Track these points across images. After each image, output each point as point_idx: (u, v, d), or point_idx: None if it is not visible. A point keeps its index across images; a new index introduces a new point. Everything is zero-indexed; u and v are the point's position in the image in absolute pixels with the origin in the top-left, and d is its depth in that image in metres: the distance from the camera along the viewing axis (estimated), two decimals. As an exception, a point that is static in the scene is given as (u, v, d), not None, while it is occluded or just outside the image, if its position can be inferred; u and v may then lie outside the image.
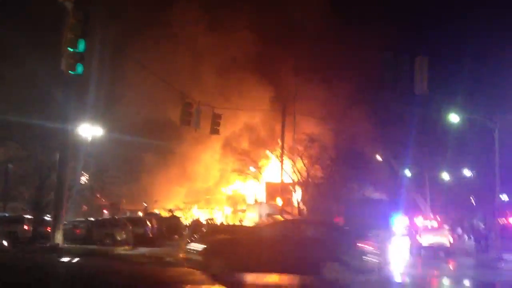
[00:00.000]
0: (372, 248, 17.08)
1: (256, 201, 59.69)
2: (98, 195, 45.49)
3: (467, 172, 53.19)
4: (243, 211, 61.77)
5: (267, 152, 52.55)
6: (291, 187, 43.55)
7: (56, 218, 25.39)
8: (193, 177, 64.06)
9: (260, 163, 53.18)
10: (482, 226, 41.33)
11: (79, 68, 17.06)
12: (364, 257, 16.53)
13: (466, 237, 45.05)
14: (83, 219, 39.01)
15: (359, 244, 16.74)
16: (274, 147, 50.11)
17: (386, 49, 49.16)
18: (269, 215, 52.53)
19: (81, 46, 16.67)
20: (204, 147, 58.24)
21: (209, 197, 67.39)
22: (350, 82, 53.31)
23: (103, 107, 37.14)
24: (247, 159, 50.85)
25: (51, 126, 26.78)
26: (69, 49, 16.67)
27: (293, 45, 56.39)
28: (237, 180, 59.28)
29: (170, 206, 56.19)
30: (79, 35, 16.61)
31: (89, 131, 32.41)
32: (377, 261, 17.24)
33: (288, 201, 40.88)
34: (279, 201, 37.28)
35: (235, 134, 58.35)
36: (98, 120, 33.34)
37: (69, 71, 17.16)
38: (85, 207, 44.65)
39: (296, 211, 42.56)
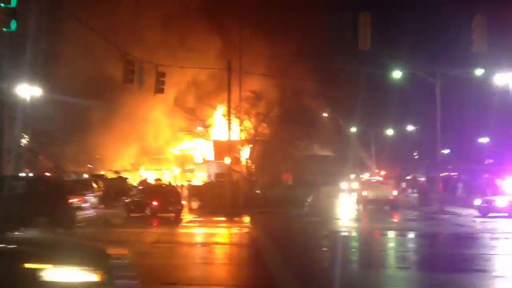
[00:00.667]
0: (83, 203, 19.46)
1: (204, 160, 59.46)
2: (40, 158, 44.06)
3: (410, 128, 54.63)
4: (192, 170, 61.54)
5: (215, 110, 52.04)
6: (239, 146, 43.41)
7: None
8: (141, 136, 62.99)
9: (207, 122, 52.67)
10: (424, 179, 42.73)
11: (13, 25, 16.05)
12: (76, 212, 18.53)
13: (409, 190, 46.58)
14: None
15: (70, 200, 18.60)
16: (221, 104, 49.67)
17: (331, 5, 49.09)
18: (217, 174, 52.62)
19: (14, 1, 15.65)
20: (150, 105, 57.07)
21: (157, 157, 66.64)
22: (295, 38, 53.06)
23: (42, 66, 35.51)
24: (194, 118, 50.20)
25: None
26: (1, 4, 15.63)
27: (238, 4, 55.37)
28: (185, 140, 58.67)
29: (117, 167, 55.14)
30: (11, -12, 15.55)
31: (27, 91, 31.02)
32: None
33: (236, 160, 40.72)
34: (227, 160, 37.10)
35: (181, 92, 57.40)
36: (37, 80, 31.91)
37: (2, 28, 16.14)
38: (27, 170, 43.17)
39: (244, 170, 42.60)
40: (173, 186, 39.37)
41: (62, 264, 6.40)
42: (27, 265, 6.27)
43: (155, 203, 27.76)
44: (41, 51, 34.95)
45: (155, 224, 24.94)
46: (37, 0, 27.67)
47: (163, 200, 27.88)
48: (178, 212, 28.34)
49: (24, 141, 36.10)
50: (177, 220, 26.81)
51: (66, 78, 45.46)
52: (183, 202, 29.94)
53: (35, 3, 27.45)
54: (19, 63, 28.45)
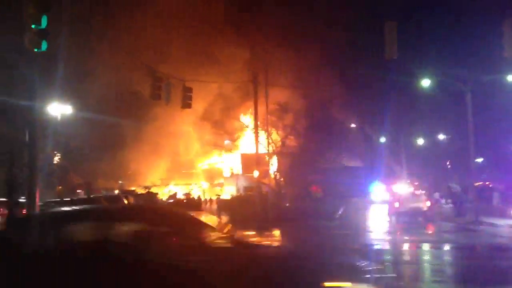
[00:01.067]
0: None
1: (232, 173, 59.52)
2: (72, 174, 44.67)
3: (441, 137, 53.70)
4: (221, 184, 61.63)
5: (242, 121, 52.06)
6: (267, 158, 43.29)
7: (30, 199, 24.63)
8: (170, 151, 63.51)
9: (235, 135, 52.74)
10: (458, 189, 41.79)
11: (44, 45, 16.29)
12: None
13: (443, 201, 45.61)
14: (58, 199, 38.27)
15: None
16: (246, 115, 49.75)
17: (356, 15, 48.88)
18: (246, 187, 52.53)
19: (44, 21, 15.87)
20: (178, 120, 57.56)
21: (187, 171, 67.02)
22: (320, 48, 52.96)
23: (72, 84, 36.16)
24: (221, 131, 50.34)
25: (19, 104, 25.89)
26: (32, 25, 15.87)
27: (263, 12, 55.64)
28: (213, 153, 58.83)
29: (147, 182, 55.62)
30: (42, 10, 15.79)
31: (58, 109, 31.57)
32: None
33: (265, 173, 40.63)
34: (255, 173, 37.01)
35: (208, 105, 57.74)
36: (67, 98, 32.47)
37: (34, 48, 16.39)
38: (59, 187, 43.78)
39: (273, 182, 42.45)
40: (197, 200, 40.05)
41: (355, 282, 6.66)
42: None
43: None
44: (71, 70, 35.59)
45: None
46: (67, 20, 28.12)
47: None
48: None
49: (56, 158, 36.64)
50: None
51: (96, 95, 46.17)
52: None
53: (65, 23, 27.90)
54: (49, 82, 28.92)
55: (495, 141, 49.07)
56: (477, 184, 34.23)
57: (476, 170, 34.33)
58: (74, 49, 36.42)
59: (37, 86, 23.81)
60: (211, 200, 54.60)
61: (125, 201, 37.18)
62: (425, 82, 33.14)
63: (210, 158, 62.14)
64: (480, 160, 48.44)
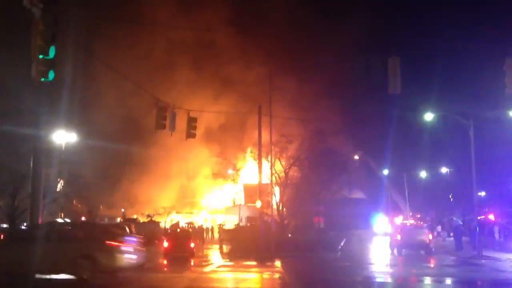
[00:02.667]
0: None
1: (234, 203, 59.42)
2: (74, 202, 44.71)
3: (444, 170, 53.69)
4: (223, 214, 61.41)
5: (248, 153, 52.22)
6: (270, 188, 43.28)
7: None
8: (173, 180, 63.59)
9: (238, 165, 52.81)
10: (460, 223, 41.64)
11: (51, 75, 16.56)
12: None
13: (445, 234, 45.45)
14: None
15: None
16: (251, 148, 49.87)
17: (360, 51, 49.47)
18: (248, 217, 52.40)
19: (52, 52, 16.18)
20: (181, 149, 57.76)
21: (189, 200, 66.99)
22: (325, 82, 53.54)
23: (77, 113, 36.52)
24: (224, 161, 50.41)
25: (24, 132, 26.17)
26: (40, 56, 16.18)
27: (268, 46, 56.38)
28: (216, 183, 58.65)
29: (149, 211, 55.53)
30: (49, 41, 16.11)
31: (63, 137, 31.84)
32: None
33: (267, 203, 40.59)
34: (258, 203, 36.99)
35: (212, 135, 58.09)
36: (72, 126, 32.76)
37: (41, 78, 16.68)
38: (62, 215, 43.81)
39: (276, 213, 42.31)
40: (187, 230, 40.30)
41: None
42: None
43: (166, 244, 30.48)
44: (76, 98, 35.99)
45: (186, 268, 24.85)
46: (72, 50, 28.57)
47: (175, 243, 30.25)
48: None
49: (59, 186, 36.76)
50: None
51: (101, 123, 46.52)
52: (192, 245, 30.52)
53: (71, 52, 28.34)
54: (55, 110, 29.24)
55: (497, 175, 49.09)
56: (479, 218, 34.13)
57: (478, 204, 34.23)
58: (79, 77, 36.92)
59: (43, 115, 24.19)
60: (213, 229, 54.45)
61: (127, 230, 37.19)
62: (428, 116, 33.41)
63: (212, 187, 62.04)
64: (482, 194, 48.35)
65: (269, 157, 40.15)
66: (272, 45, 55.57)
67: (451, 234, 40.12)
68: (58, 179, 36.29)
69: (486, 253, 29.66)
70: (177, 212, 62.88)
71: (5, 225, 32.39)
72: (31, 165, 24.46)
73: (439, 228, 45.51)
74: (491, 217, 39.09)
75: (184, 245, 30.05)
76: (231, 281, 21.28)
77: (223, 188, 59.16)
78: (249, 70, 58.61)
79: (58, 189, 36.93)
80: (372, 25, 63.04)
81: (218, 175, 48.98)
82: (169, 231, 42.41)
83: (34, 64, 16.29)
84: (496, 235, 34.60)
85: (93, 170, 41.26)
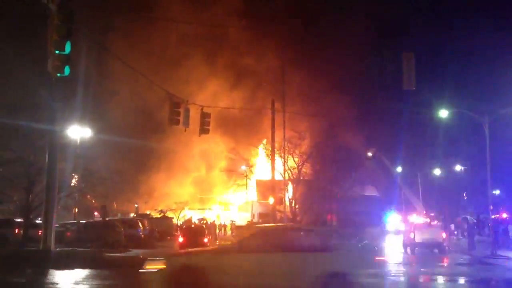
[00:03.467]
0: None
1: (247, 199, 59.46)
2: (88, 197, 45.02)
3: (458, 168, 53.30)
4: (236, 210, 61.52)
5: (258, 149, 52.21)
6: (283, 185, 43.26)
7: (47, 221, 24.92)
8: (186, 176, 63.79)
9: (251, 161, 52.85)
10: (474, 221, 41.26)
11: (66, 70, 16.69)
12: None
13: (459, 233, 45.10)
14: (74, 221, 38.59)
15: None
16: (264, 144, 49.84)
17: (374, 46, 49.18)
18: (261, 214, 52.42)
19: (67, 47, 16.30)
20: (195, 145, 57.92)
21: (202, 196, 67.18)
22: (339, 78, 53.27)
23: (92, 108, 36.74)
24: (237, 157, 50.50)
25: (40, 127, 26.36)
26: (56, 51, 16.29)
27: (281, 40, 56.24)
28: (230, 179, 58.68)
29: (162, 206, 55.76)
30: (64, 36, 16.23)
31: (77, 132, 32.07)
32: None
33: (280, 200, 40.58)
34: (271, 200, 37.01)
35: (226, 131, 58.11)
36: (86, 121, 32.97)
37: (56, 73, 16.81)
38: (76, 209, 44.16)
39: (288, 210, 42.34)
40: (201, 226, 40.76)
41: None
42: None
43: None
44: (91, 94, 36.21)
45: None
46: (87, 45, 28.71)
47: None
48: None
49: (73, 181, 37.03)
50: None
51: (115, 118, 46.76)
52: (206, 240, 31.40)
53: (86, 48, 28.49)
54: (70, 106, 29.41)
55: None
56: (494, 216, 33.82)
57: (493, 203, 33.92)
58: (94, 73, 37.14)
59: (58, 110, 24.35)
60: (225, 225, 54.56)
61: (140, 225, 37.42)
62: (443, 113, 33.18)
63: (226, 183, 62.09)
64: (497, 192, 47.92)
65: (282, 154, 40.17)
66: (286, 39, 55.46)
67: (465, 233, 39.78)
68: (73, 174, 36.54)
69: (500, 252, 29.38)
70: (190, 208, 63.06)
71: (19, 219, 32.68)
72: (46, 159, 24.66)
73: (452, 226, 45.14)
74: (505, 215, 38.77)
75: (198, 240, 30.66)
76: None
77: (236, 184, 59.20)
78: (262, 65, 58.61)
79: (72, 184, 37.21)
80: (386, 21, 62.65)
81: (231, 171, 49.01)
82: (184, 226, 42.63)
83: (50, 59, 16.43)
84: (511, 234, 34.30)
85: (108, 165, 41.48)
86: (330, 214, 48.79)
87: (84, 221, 37.75)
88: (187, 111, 27.80)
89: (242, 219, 54.44)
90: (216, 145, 58.25)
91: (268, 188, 41.32)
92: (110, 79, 50.33)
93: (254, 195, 58.09)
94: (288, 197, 43.90)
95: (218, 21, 58.66)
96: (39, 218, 29.79)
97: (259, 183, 54.43)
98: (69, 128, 30.68)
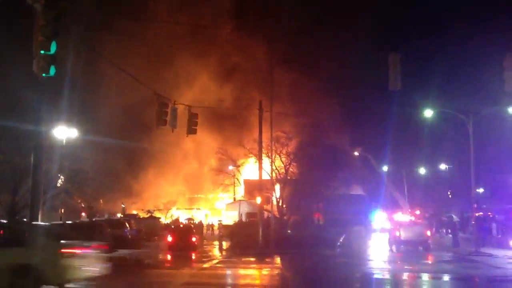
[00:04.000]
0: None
1: (235, 199, 59.55)
2: (75, 197, 44.86)
3: (443, 167, 53.85)
4: (223, 209, 61.63)
5: (246, 147, 52.29)
6: (270, 185, 43.44)
7: (32, 222, 24.85)
8: (173, 176, 63.73)
9: (238, 161, 52.93)
10: (457, 219, 41.72)
11: (52, 70, 16.68)
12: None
13: (443, 231, 45.61)
14: (60, 222, 38.45)
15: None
16: (251, 144, 49.97)
17: (360, 47, 49.54)
18: (248, 213, 52.55)
19: (53, 48, 16.28)
20: (183, 145, 57.91)
21: (190, 196, 67.17)
22: (326, 79, 53.60)
23: (78, 108, 36.63)
24: (225, 157, 50.50)
25: (25, 128, 26.25)
26: (41, 51, 16.29)
27: (270, 42, 56.40)
28: (217, 179, 58.71)
29: (150, 206, 55.71)
30: (50, 36, 16.21)
31: (64, 133, 31.96)
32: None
33: (267, 199, 40.71)
34: (258, 199, 37.15)
35: (213, 132, 58.17)
36: (73, 122, 32.85)
37: (42, 74, 16.80)
38: (62, 210, 43.98)
39: (275, 209, 42.48)
40: (189, 226, 41.28)
41: None
42: None
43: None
44: (78, 94, 36.10)
45: (186, 264, 25.02)
46: (74, 45, 28.64)
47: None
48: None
49: (59, 181, 36.90)
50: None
51: (102, 119, 46.65)
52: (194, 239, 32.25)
53: (72, 48, 28.42)
54: (56, 106, 29.32)
55: (496, 172, 49.22)
56: (477, 214, 34.26)
57: (476, 200, 34.37)
58: (80, 73, 37.01)
59: (44, 111, 24.27)
60: (213, 225, 54.64)
61: (127, 226, 37.39)
62: (428, 113, 33.56)
63: (213, 183, 62.10)
64: (481, 190, 48.48)
65: (270, 154, 40.32)
66: (274, 39, 55.62)
67: (449, 231, 40.26)
68: (59, 175, 36.41)
69: (483, 249, 29.82)
70: (177, 208, 63.05)
71: (4, 220, 32.49)
72: (32, 160, 24.57)
73: (437, 224, 45.62)
74: (489, 213, 39.26)
75: (187, 239, 31.39)
76: (230, 277, 21.45)
77: (223, 183, 59.26)
78: (250, 64, 58.77)
79: (58, 185, 37.07)
80: (373, 22, 63.12)
81: (219, 170, 49.01)
82: (172, 226, 42.74)
83: (35, 60, 16.41)
84: (495, 232, 34.76)
85: (94, 165, 41.42)
86: (317, 213, 48.98)
87: (70, 222, 37.63)
88: (174, 111, 27.79)
89: (230, 218, 54.54)
90: (205, 145, 58.27)
91: (255, 187, 41.45)
92: (97, 79, 50.19)
93: (242, 194, 58.24)
94: (276, 197, 44.07)
95: (206, 21, 58.74)
96: (25, 219, 29.65)
97: (247, 183, 54.55)
98: (56, 129, 30.57)
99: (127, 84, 45.17)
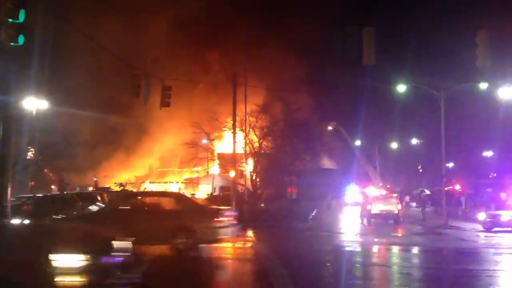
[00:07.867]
0: None
1: (208, 173, 59.45)
2: (45, 170, 44.23)
3: (415, 141, 54.57)
4: (197, 183, 61.57)
5: (219, 121, 52.12)
6: (243, 159, 43.48)
7: (2, 194, 24.44)
8: (146, 149, 63.30)
9: (212, 135, 52.73)
10: (428, 193, 42.45)
11: (20, 39, 16.25)
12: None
13: (414, 204, 46.46)
14: (30, 195, 37.91)
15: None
16: (226, 118, 49.79)
17: (334, 20, 49.41)
18: (222, 187, 52.62)
19: (21, 16, 15.84)
20: (157, 119, 57.39)
21: (162, 169, 66.88)
22: (299, 53, 53.50)
23: (49, 79, 35.85)
24: (199, 131, 50.24)
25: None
26: (9, 20, 15.82)
27: (242, 14, 55.94)
28: (190, 153, 58.51)
29: (122, 180, 55.25)
30: (18, 4, 15.76)
31: (33, 104, 31.29)
32: None
33: (241, 173, 40.79)
34: (232, 173, 37.16)
35: (187, 105, 57.72)
36: (43, 93, 32.17)
37: (10, 43, 16.35)
38: (32, 183, 43.31)
39: (249, 183, 42.64)
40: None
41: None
42: None
43: None
44: (48, 65, 35.27)
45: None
46: (44, 15, 27.90)
47: None
48: None
49: (30, 154, 36.29)
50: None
51: (73, 91, 45.76)
52: None
53: (42, 17, 27.68)
54: (26, 76, 28.66)
55: (466, 147, 50.13)
56: (447, 188, 34.93)
57: (446, 175, 35.02)
58: (51, 43, 36.12)
59: (12, 81, 23.67)
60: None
61: (99, 199, 37.02)
62: (401, 88, 33.78)
63: (186, 157, 61.88)
64: (450, 165, 49.36)
65: (244, 127, 40.27)
66: (248, 13, 55.17)
67: (419, 204, 41.02)
68: (29, 147, 35.78)
69: (452, 223, 30.51)
70: (150, 182, 62.73)
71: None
72: (1, 132, 24.06)
73: (407, 198, 46.41)
74: (458, 187, 40.08)
75: None
76: (202, 251, 21.45)
77: (197, 157, 59.07)
78: (224, 43, 58.24)
79: (28, 157, 36.44)
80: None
81: (192, 144, 48.77)
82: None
83: (3, 28, 15.95)
84: (463, 205, 35.54)
85: (66, 138, 40.76)
86: (291, 187, 49.37)
87: (41, 195, 37.12)
88: (147, 84, 27.44)
89: (203, 192, 54.50)
90: (179, 119, 57.80)
91: (229, 161, 41.43)
92: (68, 50, 49.07)
93: (215, 168, 58.16)
94: (249, 171, 44.18)
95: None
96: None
97: (221, 157, 54.45)
98: (25, 100, 29.90)
99: (101, 54, 44.36)
